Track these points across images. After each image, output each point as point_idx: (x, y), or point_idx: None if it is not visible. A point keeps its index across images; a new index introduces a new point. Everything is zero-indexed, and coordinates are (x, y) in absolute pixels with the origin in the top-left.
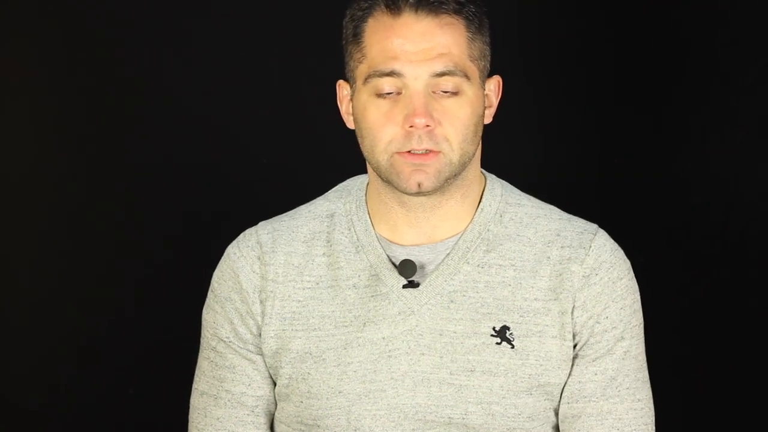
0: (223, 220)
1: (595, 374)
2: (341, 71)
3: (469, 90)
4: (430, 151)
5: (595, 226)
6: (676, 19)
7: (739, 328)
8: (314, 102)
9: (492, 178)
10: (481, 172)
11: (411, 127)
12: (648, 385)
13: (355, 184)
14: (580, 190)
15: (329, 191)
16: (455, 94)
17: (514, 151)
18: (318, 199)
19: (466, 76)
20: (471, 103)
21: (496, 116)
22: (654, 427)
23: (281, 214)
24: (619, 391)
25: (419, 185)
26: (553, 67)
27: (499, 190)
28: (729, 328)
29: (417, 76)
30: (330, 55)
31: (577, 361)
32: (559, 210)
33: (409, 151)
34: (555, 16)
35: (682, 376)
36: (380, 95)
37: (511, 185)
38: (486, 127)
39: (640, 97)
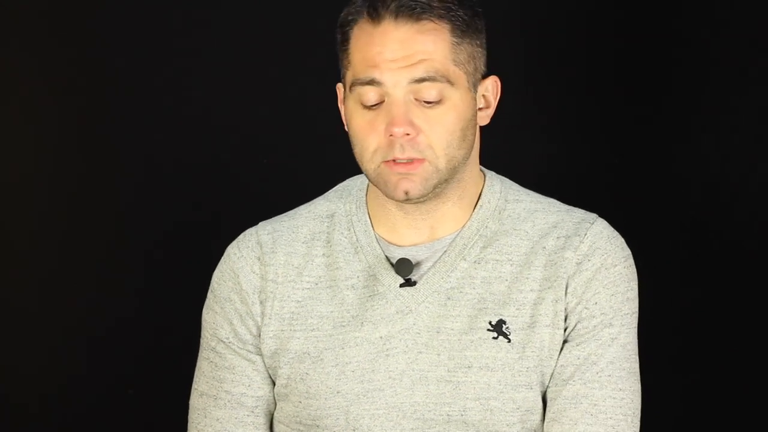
0: (223, 220)
1: (577, 357)
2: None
3: (454, 95)
4: (415, 159)
5: (595, 215)
6: (676, 18)
7: (739, 328)
8: (315, 102)
9: (491, 176)
10: (481, 170)
11: (391, 135)
12: (635, 377)
13: (355, 184)
14: (580, 190)
15: (329, 191)
16: (438, 102)
17: (514, 152)
18: (318, 199)
19: (449, 82)
20: (455, 109)
21: (496, 116)
22: (636, 422)
23: (281, 214)
24: (600, 377)
25: (406, 193)
26: (554, 68)
27: (498, 187)
28: (729, 328)
29: (396, 84)
30: (331, 55)
31: (564, 345)
32: (560, 203)
33: (394, 160)
34: (555, 16)
35: (682, 376)
36: (364, 104)
37: (511, 181)
38: (487, 128)
39: (640, 97)
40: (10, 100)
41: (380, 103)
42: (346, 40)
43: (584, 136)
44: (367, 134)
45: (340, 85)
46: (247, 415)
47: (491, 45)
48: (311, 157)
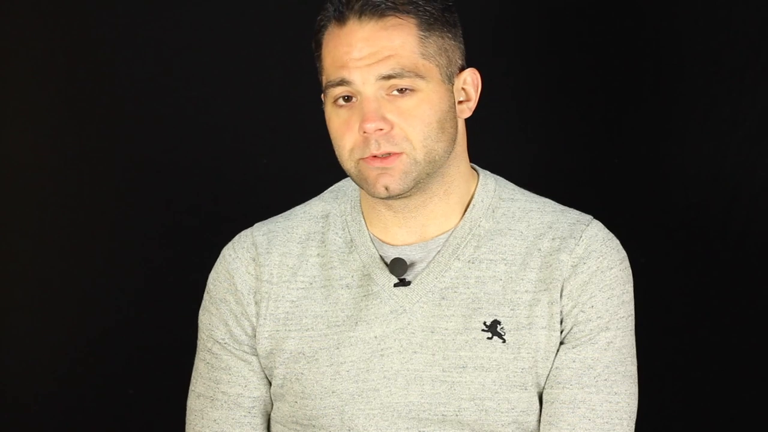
0: (222, 220)
1: (573, 361)
2: None
3: (426, 87)
4: (392, 153)
5: (590, 217)
6: (676, 19)
7: (739, 328)
8: (314, 102)
9: (485, 174)
10: (474, 168)
11: (365, 133)
12: (631, 380)
13: (350, 184)
14: (580, 190)
15: (324, 192)
16: (410, 92)
17: (513, 152)
18: (313, 199)
19: (419, 76)
20: (429, 101)
21: (490, 115)
22: (632, 425)
23: (277, 215)
24: (597, 381)
25: (386, 189)
26: (553, 67)
27: (492, 185)
28: (729, 328)
29: (365, 81)
30: None
31: (560, 347)
32: (554, 203)
33: (373, 156)
34: (554, 14)
35: (682, 376)
36: (338, 104)
37: (505, 180)
38: (484, 128)
39: (640, 98)
40: (10, 99)
41: (354, 103)
42: (318, 47)
43: (584, 136)
44: (342, 134)
45: (323, 95)
46: (244, 416)
47: (484, 44)
48: (310, 158)
